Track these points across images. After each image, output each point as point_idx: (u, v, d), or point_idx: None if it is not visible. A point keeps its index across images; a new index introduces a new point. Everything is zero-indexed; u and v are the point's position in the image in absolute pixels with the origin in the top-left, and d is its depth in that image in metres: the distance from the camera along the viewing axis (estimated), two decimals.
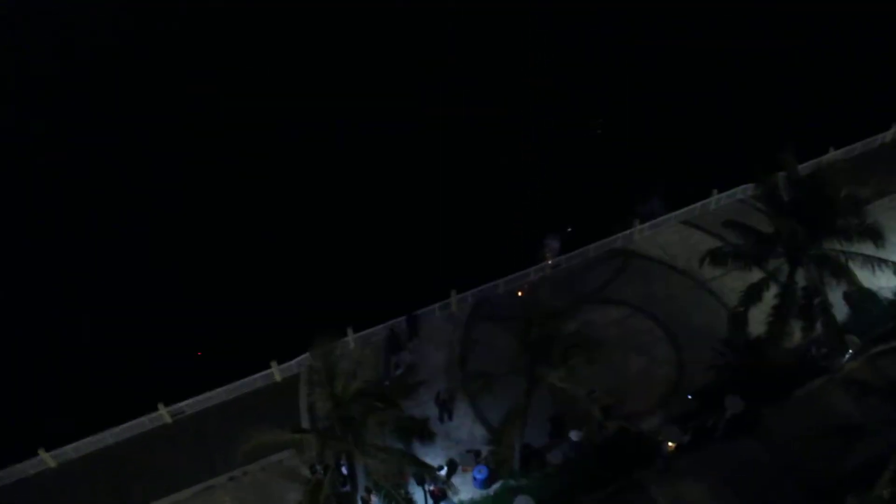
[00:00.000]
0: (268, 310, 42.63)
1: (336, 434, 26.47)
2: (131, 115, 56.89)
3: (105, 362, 40.51)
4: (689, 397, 35.18)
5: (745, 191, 45.93)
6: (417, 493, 30.03)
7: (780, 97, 55.89)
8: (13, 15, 66.26)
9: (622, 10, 65.55)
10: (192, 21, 65.57)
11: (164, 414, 36.39)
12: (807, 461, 32.94)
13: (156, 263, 45.84)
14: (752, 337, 35.46)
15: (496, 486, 33.59)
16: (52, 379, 40.03)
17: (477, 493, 33.43)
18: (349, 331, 38.63)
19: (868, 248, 32.11)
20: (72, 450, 35.44)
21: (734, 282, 38.07)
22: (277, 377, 38.15)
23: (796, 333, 34.22)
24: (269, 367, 37.73)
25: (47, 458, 35.01)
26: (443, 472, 33.44)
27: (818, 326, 33.47)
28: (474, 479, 33.34)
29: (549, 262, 42.48)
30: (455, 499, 33.16)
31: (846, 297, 38.06)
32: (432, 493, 31.97)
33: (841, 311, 37.46)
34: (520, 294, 41.43)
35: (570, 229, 46.27)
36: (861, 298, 37.97)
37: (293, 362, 38.05)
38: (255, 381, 37.77)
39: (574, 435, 33.83)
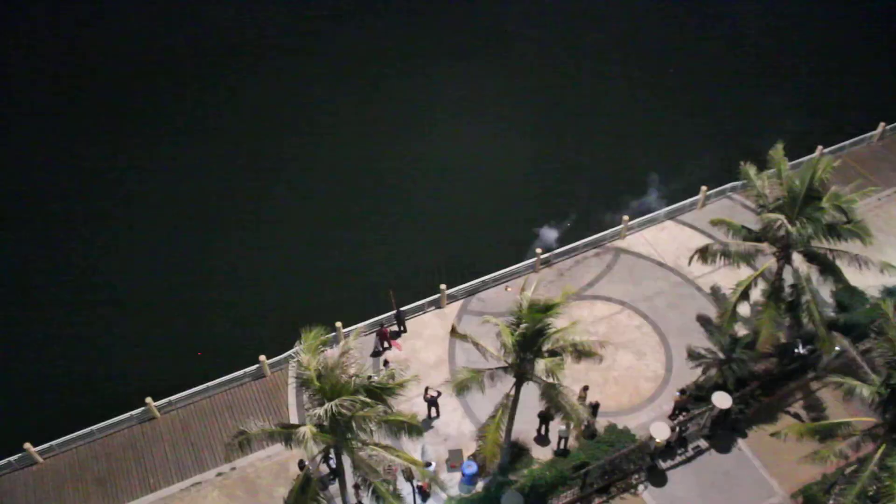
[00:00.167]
0: (257, 304, 42.60)
1: (324, 429, 26.43)
2: (122, 106, 56.54)
3: (93, 356, 40.34)
4: (677, 394, 35.34)
5: (734, 188, 46.14)
6: (405, 489, 30.03)
7: (769, 95, 56.17)
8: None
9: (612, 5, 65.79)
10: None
11: (152, 408, 36.28)
12: (792, 458, 33.10)
13: (145, 257, 45.59)
14: (739, 334, 35.64)
15: (484, 481, 33.65)
16: (40, 373, 39.79)
17: (465, 489, 33.49)
18: (338, 325, 38.60)
19: (855, 247, 32.37)
20: (58, 444, 35.25)
21: (722, 279, 38.31)
22: (266, 372, 38.09)
23: (783, 331, 34.48)
24: (257, 361, 37.66)
25: (33, 453, 34.83)
26: (431, 468, 33.44)
27: (805, 324, 33.72)
28: (462, 474, 33.41)
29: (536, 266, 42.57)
30: (443, 494, 33.20)
31: (833, 294, 38.32)
32: (420, 489, 32.01)
33: (828, 308, 37.75)
34: (509, 290, 41.50)
35: (568, 224, 46.29)
36: (848, 296, 38.24)
37: (282, 357, 37.98)
38: (243, 375, 37.70)
39: (562, 430, 33.97)
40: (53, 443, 35.15)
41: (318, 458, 28.12)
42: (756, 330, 33.98)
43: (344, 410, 25.99)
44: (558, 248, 43.42)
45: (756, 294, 33.96)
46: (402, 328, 39.84)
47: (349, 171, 51.01)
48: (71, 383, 39.08)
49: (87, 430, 35.49)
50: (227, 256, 45.64)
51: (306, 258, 45.23)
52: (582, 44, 61.43)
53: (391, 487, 28.12)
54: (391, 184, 49.98)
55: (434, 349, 39.20)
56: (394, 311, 39.21)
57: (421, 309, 40.81)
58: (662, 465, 34.15)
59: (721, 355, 35.21)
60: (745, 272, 34.66)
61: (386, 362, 37.96)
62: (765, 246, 33.22)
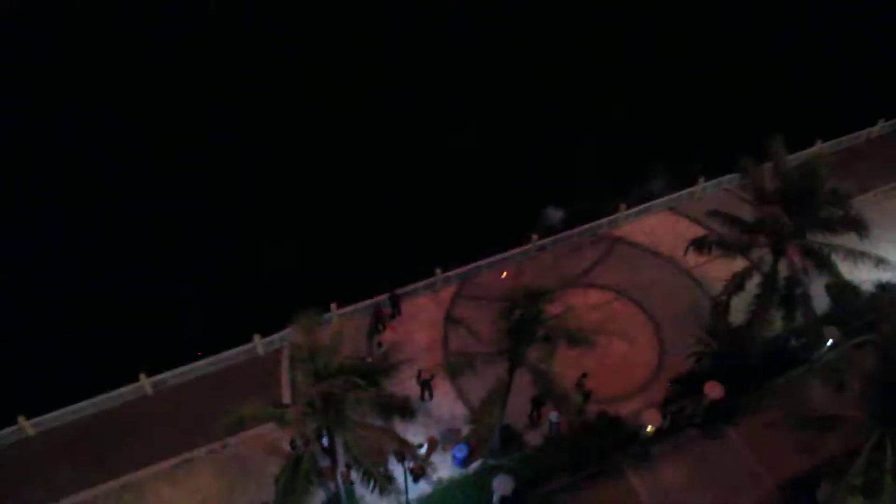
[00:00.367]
0: (252, 283, 42.54)
1: (317, 409, 26.51)
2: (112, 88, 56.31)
3: (88, 331, 40.21)
4: (669, 383, 35.50)
5: (731, 180, 46.19)
6: (397, 471, 30.15)
7: (769, 88, 56.07)
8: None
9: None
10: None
11: (145, 385, 36.31)
12: (783, 449, 33.37)
13: (140, 234, 45.50)
14: (733, 325, 35.78)
15: (475, 464, 33.80)
16: (34, 347, 39.73)
17: (456, 472, 33.63)
18: (333, 307, 38.64)
19: (851, 241, 32.45)
20: (52, 418, 35.32)
21: (717, 270, 38.34)
22: (260, 351, 38.15)
23: (777, 323, 34.61)
24: (251, 340, 37.67)
25: (27, 426, 34.90)
26: (423, 450, 33.63)
27: (798, 317, 33.84)
28: (454, 457, 33.57)
29: (532, 244, 42.59)
30: (434, 477, 33.40)
31: (828, 288, 38.43)
32: (412, 471, 32.11)
33: (822, 302, 37.87)
34: (504, 275, 41.54)
35: (560, 213, 46.29)
36: (842, 290, 38.33)
37: (276, 336, 38.03)
38: (237, 354, 37.73)
39: (554, 417, 34.11)
40: (46, 416, 35.22)
41: (311, 438, 28.13)
42: (750, 321, 34.08)
43: (336, 391, 26.09)
44: (555, 234, 43.39)
45: (751, 286, 34.05)
46: (396, 311, 39.86)
47: (347, 151, 50.89)
48: (66, 357, 38.98)
49: (80, 404, 35.56)
50: (223, 233, 45.54)
51: (303, 238, 45.14)
52: (582, 28, 61.19)
53: (382, 469, 28.26)
54: (388, 166, 49.84)
55: (428, 332, 39.27)
56: (388, 294, 39.28)
57: (416, 292, 40.82)
58: (653, 452, 34.28)
59: (714, 345, 35.36)
60: (740, 264, 34.71)
61: (380, 344, 38.10)
62: (760, 238, 33.28)
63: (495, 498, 31.12)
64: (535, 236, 42.58)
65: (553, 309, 29.61)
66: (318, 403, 26.44)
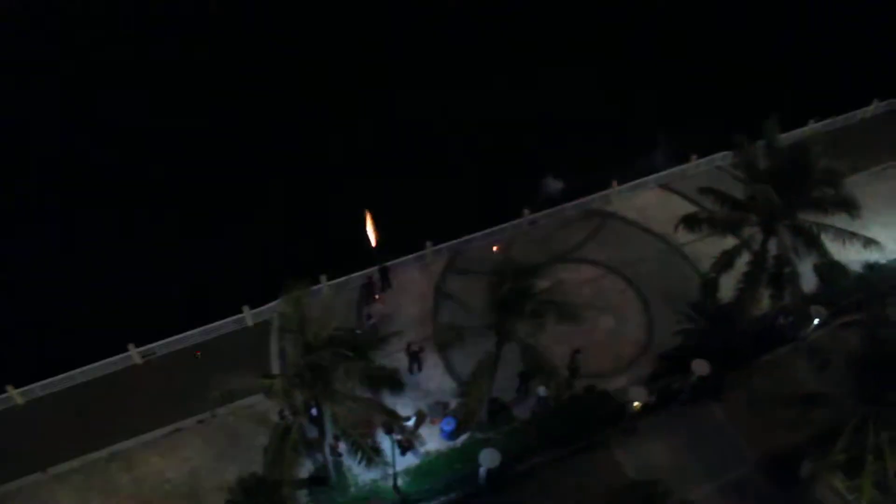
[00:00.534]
0: (242, 254, 42.43)
1: (305, 381, 26.60)
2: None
3: (77, 301, 40.15)
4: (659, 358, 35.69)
5: (723, 158, 46.11)
6: (385, 443, 30.37)
7: (763, 67, 55.82)
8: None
9: None
10: None
11: (134, 355, 36.32)
12: (768, 426, 33.71)
13: (131, 204, 45.31)
14: (721, 302, 35.95)
15: (463, 437, 34.04)
16: (23, 316, 39.61)
17: (444, 445, 33.87)
18: (323, 278, 38.63)
19: (841, 222, 32.53)
20: (40, 388, 35.32)
21: (707, 247, 38.42)
22: (249, 322, 38.16)
23: (765, 301, 34.78)
24: (241, 311, 37.67)
25: (15, 395, 34.91)
26: (411, 423, 33.82)
27: (786, 295, 34.01)
28: (442, 430, 33.79)
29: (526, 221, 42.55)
30: (422, 449, 33.62)
31: (816, 268, 38.55)
32: (400, 443, 32.35)
33: (810, 281, 38.04)
34: (495, 249, 41.55)
35: (558, 184, 46.21)
36: (830, 270, 38.44)
37: (265, 307, 38.02)
38: (227, 324, 37.73)
39: (541, 391, 34.31)
40: (35, 385, 35.23)
41: (300, 409, 28.23)
42: (738, 299, 34.24)
43: (324, 363, 26.16)
44: (546, 209, 43.35)
45: (740, 264, 34.15)
46: (386, 284, 39.88)
47: (338, 124, 50.58)
48: (55, 327, 38.83)
49: (69, 374, 35.56)
50: (213, 205, 45.39)
51: (293, 210, 45.06)
52: (581, 8, 60.76)
53: (370, 441, 28.45)
54: (380, 139, 49.62)
55: (418, 305, 39.33)
56: (378, 267, 39.27)
57: (406, 265, 40.80)
58: (639, 427, 34.55)
59: (702, 323, 35.54)
60: (730, 241, 34.79)
61: (369, 316, 38.14)
62: (751, 216, 33.34)
63: (482, 471, 31.37)
64: (526, 211, 42.52)
65: (542, 284, 29.71)
66: (306, 375, 26.53)
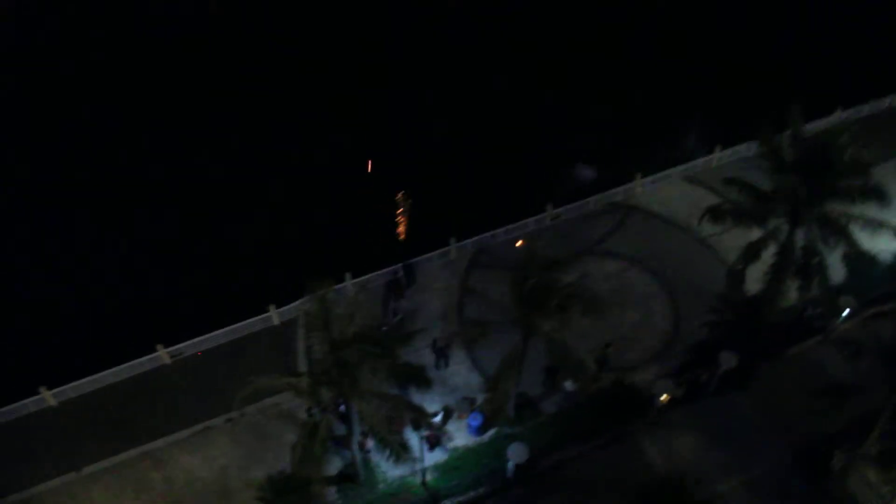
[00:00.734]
0: (267, 254, 42.70)
1: (332, 378, 26.74)
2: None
3: (106, 303, 40.66)
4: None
5: (748, 148, 45.64)
6: (412, 439, 30.47)
7: (788, 55, 55.17)
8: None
9: None
10: None
11: (162, 355, 36.68)
12: (797, 419, 33.41)
13: (158, 205, 45.74)
14: (748, 295, 35.65)
15: (490, 433, 34.08)
16: (54, 318, 40.15)
17: (471, 440, 33.93)
18: (347, 276, 38.78)
19: (869, 211, 32.12)
20: (72, 389, 35.75)
21: (733, 239, 38.07)
22: (276, 321, 38.38)
23: (792, 293, 34.42)
24: (267, 310, 37.92)
25: (48, 397, 35.38)
26: (438, 419, 33.89)
27: (814, 286, 33.63)
28: (469, 425, 33.82)
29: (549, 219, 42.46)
30: (449, 445, 33.69)
31: (845, 258, 38.06)
32: (427, 439, 32.43)
33: (839, 272, 37.57)
34: (519, 244, 41.46)
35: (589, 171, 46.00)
36: (859, 260, 37.97)
37: (291, 306, 38.21)
38: (253, 324, 37.99)
39: (568, 385, 34.27)
40: (67, 386, 35.66)
41: (328, 406, 28.39)
42: (765, 291, 33.93)
43: (351, 360, 26.30)
44: (570, 203, 43.16)
45: (766, 255, 33.82)
46: (411, 280, 39.96)
47: (362, 123, 50.67)
48: (85, 328, 39.22)
49: (100, 375, 35.97)
50: (238, 205, 45.70)
51: (318, 209, 45.20)
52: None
53: (397, 437, 28.55)
54: (402, 137, 49.64)
55: (443, 301, 39.36)
56: (403, 263, 39.37)
57: (431, 261, 40.87)
58: (667, 420, 34.38)
59: (729, 315, 35.28)
60: (756, 233, 34.48)
61: (395, 313, 38.26)
62: (777, 207, 32.98)
63: (510, 465, 31.40)
64: (549, 205, 42.40)
65: (567, 278, 29.63)
66: (332, 372, 26.68)
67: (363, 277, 39.46)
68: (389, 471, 32.27)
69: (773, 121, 34.11)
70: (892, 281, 38.24)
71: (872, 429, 27.70)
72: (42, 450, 34.12)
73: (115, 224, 44.82)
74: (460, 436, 34.04)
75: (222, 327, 37.41)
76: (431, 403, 34.10)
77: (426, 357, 35.61)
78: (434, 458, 33.17)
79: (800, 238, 33.03)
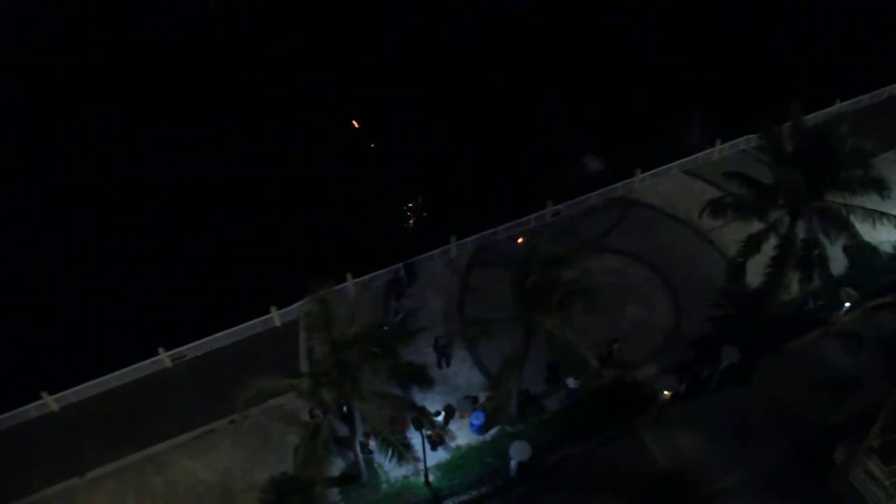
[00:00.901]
0: (268, 255, 42.70)
1: (333, 379, 26.68)
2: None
3: (106, 307, 40.68)
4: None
5: (748, 141, 45.57)
6: (415, 438, 30.42)
7: (786, 47, 55.04)
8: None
9: None
10: None
11: (164, 358, 36.65)
12: (799, 413, 33.28)
13: (157, 208, 45.73)
14: (749, 288, 35.54)
15: (493, 431, 34.01)
16: (55, 322, 40.20)
17: (474, 439, 33.85)
18: (348, 276, 38.73)
19: (870, 202, 31.98)
20: (73, 393, 35.75)
21: (734, 232, 37.97)
22: (277, 322, 38.34)
23: (794, 285, 34.30)
24: (268, 312, 37.87)
25: (50, 402, 35.37)
26: (440, 418, 33.84)
27: (816, 279, 33.51)
28: (471, 424, 33.75)
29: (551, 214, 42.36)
30: (452, 444, 33.64)
31: (846, 250, 38.03)
32: (430, 438, 32.40)
33: (840, 264, 37.53)
34: (520, 241, 41.39)
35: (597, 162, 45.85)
36: (860, 252, 37.95)
37: (293, 307, 38.16)
38: (254, 325, 37.96)
39: (571, 382, 34.19)
40: (69, 391, 35.65)
41: (331, 407, 28.34)
42: (767, 284, 33.82)
43: (352, 360, 26.24)
44: (570, 199, 43.06)
45: (768, 248, 33.71)
46: (412, 279, 39.90)
47: (360, 121, 50.68)
48: (86, 333, 39.34)
49: (102, 379, 35.94)
50: (238, 207, 45.68)
51: (318, 209, 45.17)
52: None
53: (400, 437, 28.50)
54: (401, 137, 49.61)
55: (444, 299, 39.30)
56: (404, 262, 39.33)
57: (431, 259, 40.80)
58: (669, 415, 34.31)
59: (731, 308, 35.17)
60: (756, 226, 34.36)
61: (396, 312, 38.21)
62: (778, 200, 32.86)
63: (512, 464, 31.34)
64: (549, 202, 42.31)
65: (568, 274, 29.54)
66: (333, 373, 26.63)
67: (364, 277, 39.43)
68: (392, 471, 32.21)
69: (772, 113, 34.01)
70: (893, 272, 38.07)
71: (874, 422, 27.59)
72: (44, 455, 34.09)
73: (115, 228, 44.94)
74: (463, 435, 33.98)
75: (224, 329, 37.39)
76: (433, 403, 34.05)
77: (428, 356, 35.55)
78: (436, 457, 33.11)
79: (801, 230, 32.90)
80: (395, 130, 50.02)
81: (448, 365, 36.42)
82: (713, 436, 33.63)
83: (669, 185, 44.58)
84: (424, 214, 44.78)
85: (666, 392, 32.77)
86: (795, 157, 32.18)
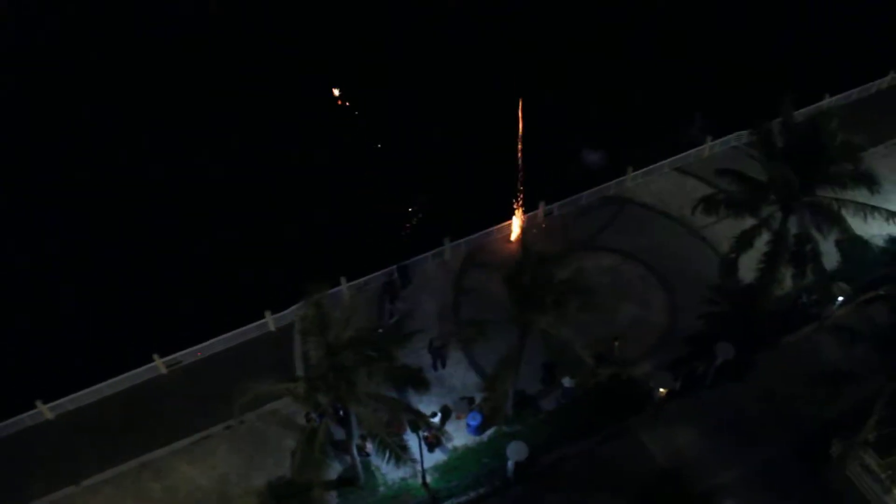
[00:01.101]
0: (262, 260, 42.62)
1: (328, 382, 26.66)
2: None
3: (100, 314, 40.54)
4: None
5: (739, 137, 45.67)
6: (412, 440, 30.43)
7: (775, 42, 55.21)
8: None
9: None
10: None
11: (159, 364, 36.57)
12: (794, 408, 33.39)
13: (151, 214, 45.62)
14: (743, 284, 35.65)
15: (489, 432, 34.03)
16: (49, 331, 40.05)
17: (470, 440, 33.89)
18: (343, 280, 38.70)
19: (861, 196, 32.10)
20: (69, 402, 35.65)
21: (727, 229, 38.09)
22: (272, 326, 38.29)
23: (787, 281, 34.42)
24: (263, 316, 37.82)
25: (45, 410, 35.26)
26: (436, 420, 33.86)
27: (809, 274, 33.63)
28: (468, 425, 33.77)
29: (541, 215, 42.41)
30: (449, 445, 33.66)
31: (838, 244, 38.12)
32: (426, 440, 32.40)
33: (832, 258, 37.65)
34: (513, 240, 41.43)
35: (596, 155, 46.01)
36: (852, 246, 38.06)
37: (287, 311, 38.11)
38: (249, 330, 37.89)
39: (566, 381, 34.23)
40: (64, 399, 35.55)
41: (327, 410, 28.33)
42: (760, 279, 33.91)
43: (347, 364, 26.23)
44: (563, 198, 43.11)
45: (760, 244, 33.81)
46: (406, 281, 39.89)
47: (354, 125, 50.66)
48: (81, 341, 39.19)
49: (96, 387, 35.84)
50: (231, 212, 45.60)
51: (311, 213, 45.11)
52: None
53: (396, 439, 28.49)
54: (394, 138, 49.60)
55: (439, 301, 39.30)
56: (398, 265, 39.31)
57: (425, 261, 40.80)
58: (665, 413, 34.38)
59: (725, 305, 35.26)
60: (749, 222, 34.46)
61: (391, 315, 38.21)
62: (770, 195, 32.96)
63: (510, 464, 31.36)
64: (542, 202, 42.35)
65: (562, 273, 29.58)
66: (329, 377, 26.61)
67: (358, 280, 39.39)
68: (389, 473, 32.24)
69: (762, 110, 34.11)
70: (886, 265, 38.22)
71: (869, 415, 27.68)
72: (40, 464, 33.97)
73: (107, 235, 44.76)
74: (459, 436, 34.01)
75: (218, 335, 37.32)
76: (429, 404, 34.09)
77: (424, 358, 35.55)
78: (434, 459, 33.16)
79: (793, 225, 33.01)
80: (386, 134, 49.98)
81: (444, 366, 36.43)
82: (710, 432, 33.75)
83: (661, 183, 44.67)
84: (418, 216, 44.71)
85: (662, 389, 32.83)
86: (786, 152, 32.30)
